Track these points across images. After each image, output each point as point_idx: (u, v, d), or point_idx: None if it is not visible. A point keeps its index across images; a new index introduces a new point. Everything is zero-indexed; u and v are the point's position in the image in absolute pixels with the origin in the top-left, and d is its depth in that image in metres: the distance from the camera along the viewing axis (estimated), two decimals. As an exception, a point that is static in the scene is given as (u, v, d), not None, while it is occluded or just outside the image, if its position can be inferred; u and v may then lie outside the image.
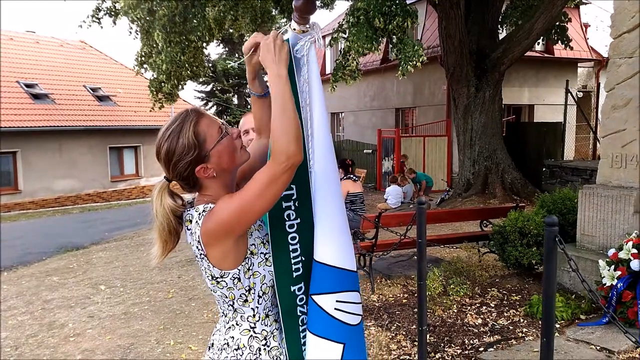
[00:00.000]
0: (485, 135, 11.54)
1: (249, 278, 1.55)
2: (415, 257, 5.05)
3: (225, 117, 31.88)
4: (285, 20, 13.38)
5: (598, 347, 3.68)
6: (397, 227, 5.46)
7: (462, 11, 10.91)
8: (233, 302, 1.58)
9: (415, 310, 4.38)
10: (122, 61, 24.51)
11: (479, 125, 11.55)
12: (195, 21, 11.31)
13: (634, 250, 4.01)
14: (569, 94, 12.29)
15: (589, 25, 18.74)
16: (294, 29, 1.62)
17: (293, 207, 1.65)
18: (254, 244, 1.56)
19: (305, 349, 1.65)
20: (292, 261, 1.63)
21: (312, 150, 1.64)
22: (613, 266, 4.08)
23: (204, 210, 1.50)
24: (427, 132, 15.74)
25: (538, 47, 15.75)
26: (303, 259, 1.65)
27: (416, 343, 3.74)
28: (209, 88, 33.90)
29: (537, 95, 16.54)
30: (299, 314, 1.66)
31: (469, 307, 4.66)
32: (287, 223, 1.64)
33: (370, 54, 10.75)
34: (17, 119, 16.76)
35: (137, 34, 12.60)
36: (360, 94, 19.82)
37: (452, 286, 5.04)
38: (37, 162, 17.38)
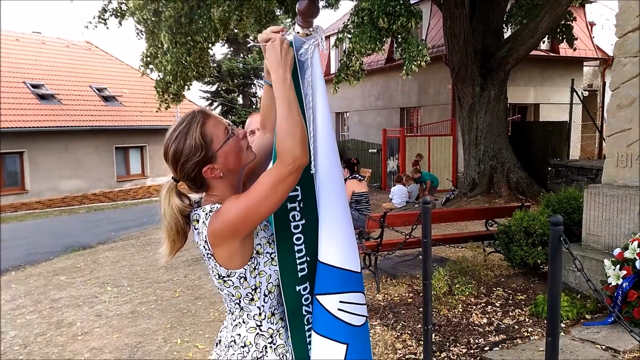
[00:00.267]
0: (490, 134, 11.52)
1: (255, 277, 1.57)
2: (421, 257, 5.06)
3: (230, 117, 31.94)
4: (289, 20, 13.38)
5: (603, 347, 3.68)
6: (402, 226, 5.47)
7: (466, 10, 10.90)
8: (239, 301, 1.60)
9: (421, 309, 4.39)
10: (128, 61, 24.60)
11: (484, 125, 11.53)
12: (201, 22, 11.34)
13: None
14: (575, 93, 12.25)
15: (595, 24, 18.68)
16: (298, 33, 1.64)
17: (298, 208, 1.68)
18: (259, 244, 1.58)
19: (310, 348, 1.67)
20: (297, 261, 1.65)
21: (315, 152, 1.66)
22: (618, 265, 4.08)
23: (210, 211, 1.52)
24: (432, 132, 15.73)
25: (543, 46, 15.71)
26: (308, 259, 1.67)
27: (421, 342, 3.75)
28: (214, 88, 33.97)
29: (543, 94, 16.48)
30: (304, 313, 1.68)
31: (475, 307, 4.67)
32: (292, 224, 1.66)
33: (374, 53, 10.75)
34: (24, 119, 16.87)
35: (143, 34, 12.66)
36: (365, 93, 19.82)
37: (457, 286, 5.05)
38: (43, 162, 17.49)
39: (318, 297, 1.65)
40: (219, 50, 39.45)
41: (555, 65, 16.47)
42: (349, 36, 10.24)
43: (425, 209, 3.42)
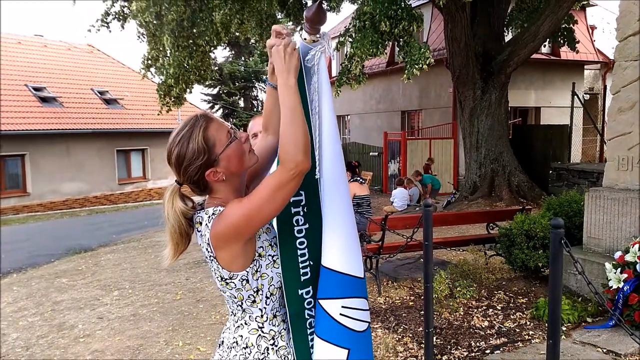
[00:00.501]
0: (491, 137, 11.53)
1: (257, 280, 1.59)
2: (422, 260, 5.08)
3: (231, 120, 31.98)
4: (291, 23, 13.40)
5: (604, 350, 3.68)
6: (403, 229, 5.47)
7: (467, 14, 10.92)
8: (242, 303, 1.61)
9: (422, 312, 4.40)
10: (130, 64, 24.68)
11: (485, 128, 11.54)
12: (203, 26, 11.37)
13: (641, 253, 4.01)
14: (576, 96, 12.27)
15: (596, 28, 18.73)
16: (305, 39, 1.65)
17: (302, 213, 1.69)
18: (262, 247, 1.60)
19: (312, 352, 1.68)
20: (300, 265, 1.67)
21: (320, 157, 1.68)
22: (619, 269, 4.08)
23: (213, 214, 1.53)
24: (433, 135, 15.74)
25: (544, 49, 15.73)
26: (311, 263, 1.69)
27: (423, 345, 3.76)
28: (215, 91, 34.03)
29: (544, 97, 16.50)
30: (306, 316, 1.69)
31: (476, 310, 4.67)
32: (296, 228, 1.68)
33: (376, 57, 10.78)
34: (25, 122, 16.92)
35: (144, 37, 12.69)
36: (366, 96, 19.85)
37: (458, 289, 5.05)
38: (45, 165, 17.52)
39: (320, 301, 1.66)
40: (221, 54, 39.62)
41: (556, 69, 16.49)
42: (350, 40, 10.26)
43: (427, 212, 3.43)
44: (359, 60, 9.75)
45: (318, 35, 1.65)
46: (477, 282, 5.33)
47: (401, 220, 5.94)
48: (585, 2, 15.85)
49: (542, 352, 3.58)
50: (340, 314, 1.65)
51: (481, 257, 6.32)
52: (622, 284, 4.00)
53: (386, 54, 12.13)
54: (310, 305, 1.69)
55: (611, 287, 4.08)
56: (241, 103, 35.20)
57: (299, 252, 1.67)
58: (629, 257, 4.06)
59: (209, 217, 1.53)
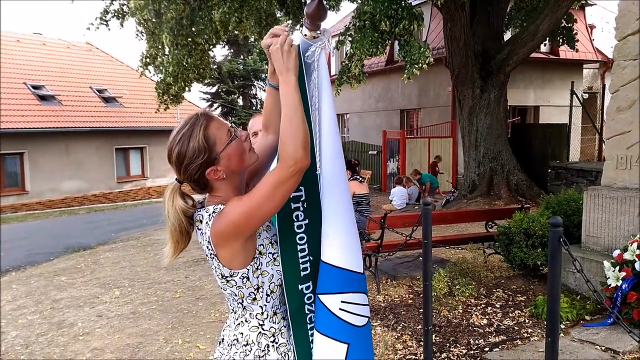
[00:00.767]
0: (490, 136, 11.55)
1: (258, 277, 1.59)
2: (421, 258, 5.08)
3: (230, 118, 31.97)
4: (290, 22, 13.38)
5: (603, 348, 3.69)
6: (402, 228, 5.49)
7: (467, 13, 10.92)
8: (242, 300, 1.62)
9: (421, 310, 4.41)
10: (129, 63, 24.65)
11: (484, 127, 11.56)
12: (202, 24, 11.36)
13: (639, 252, 4.02)
14: (575, 95, 12.28)
15: (595, 27, 18.74)
16: (305, 35, 1.66)
17: (302, 209, 1.70)
18: (262, 244, 1.60)
19: (312, 347, 1.69)
20: (300, 260, 1.68)
21: (320, 153, 1.68)
22: (618, 267, 4.09)
23: (214, 211, 1.54)
24: (432, 134, 15.75)
25: (543, 49, 15.74)
26: (311, 258, 1.69)
27: (422, 343, 3.77)
28: (214, 89, 34.02)
29: (543, 96, 16.52)
30: (306, 312, 1.70)
31: (475, 308, 4.69)
32: (296, 224, 1.68)
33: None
34: (24, 120, 16.90)
35: (143, 35, 12.67)
36: (365, 95, 19.85)
37: (457, 287, 5.06)
38: (44, 163, 17.51)
39: (320, 296, 1.67)
40: (220, 52, 39.61)
41: (555, 68, 16.50)
42: (350, 39, 10.27)
43: (426, 211, 3.44)
44: (358, 59, 9.75)
45: (318, 32, 1.66)
46: (476, 280, 5.35)
47: (400, 219, 5.95)
48: (584, 2, 15.86)
49: (540, 349, 3.59)
50: (340, 309, 1.66)
51: (480, 255, 6.33)
52: (621, 282, 4.01)
53: (385, 53, 12.13)
54: (310, 301, 1.70)
55: (610, 285, 4.09)
56: (240, 101, 35.19)
57: (299, 247, 1.68)
58: (627, 256, 4.08)
59: (210, 215, 1.54)
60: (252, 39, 16.40)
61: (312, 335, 1.70)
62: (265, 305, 1.63)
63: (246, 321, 1.64)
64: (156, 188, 20.77)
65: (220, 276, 1.60)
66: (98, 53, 23.90)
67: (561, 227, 2.43)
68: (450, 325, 4.33)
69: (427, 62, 9.34)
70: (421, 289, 4.56)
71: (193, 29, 11.66)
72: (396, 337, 4.16)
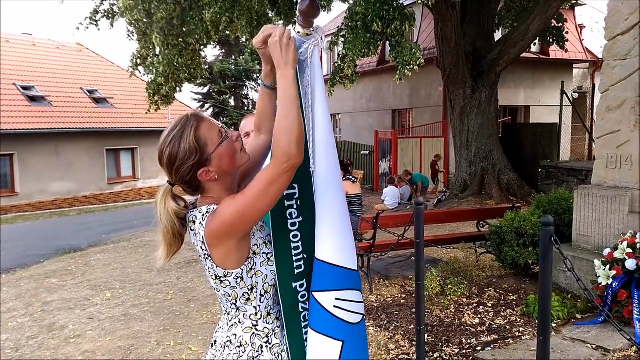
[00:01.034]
0: (481, 136, 11.60)
1: (252, 277, 1.59)
2: (413, 258, 5.09)
3: (222, 118, 31.88)
4: (282, 22, 13.35)
5: (594, 346, 3.72)
6: (394, 228, 5.49)
7: (458, 13, 10.97)
8: (236, 301, 1.61)
9: (413, 310, 4.41)
10: (119, 63, 24.52)
11: (475, 127, 11.61)
12: (193, 24, 11.31)
13: (629, 250, 4.05)
14: (565, 95, 12.37)
15: (584, 27, 18.86)
16: (298, 32, 1.65)
17: (295, 206, 1.70)
18: (256, 244, 1.60)
19: (307, 345, 1.69)
20: (294, 258, 1.67)
21: (314, 150, 1.68)
22: (608, 266, 4.13)
23: (207, 212, 1.53)
24: (424, 134, 15.80)
25: (534, 49, 15.84)
26: (305, 256, 1.69)
27: (414, 343, 3.77)
28: (205, 90, 33.90)
29: (533, 96, 16.62)
30: (300, 310, 1.70)
31: (467, 307, 4.70)
32: (289, 221, 1.68)
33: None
34: (14, 121, 16.75)
35: (134, 35, 12.60)
36: (357, 95, 19.87)
37: (449, 286, 5.08)
38: (34, 164, 17.37)
39: (314, 293, 1.67)
40: (211, 52, 39.46)
41: (546, 68, 16.60)
42: (342, 40, 10.27)
43: (418, 210, 3.44)
44: (351, 60, 9.76)
45: (312, 29, 1.66)
46: (468, 280, 5.37)
47: (392, 219, 5.96)
48: (574, 2, 15.97)
49: (532, 348, 3.60)
50: (334, 306, 1.65)
51: (472, 254, 6.36)
52: (611, 280, 4.04)
53: (377, 53, 12.15)
54: (304, 299, 1.70)
55: (600, 283, 4.12)
56: (232, 102, 35.08)
57: (293, 245, 1.67)
58: (617, 254, 4.11)
59: (203, 215, 1.53)
60: (244, 39, 16.35)
61: (306, 333, 1.69)
62: (259, 306, 1.62)
63: (240, 322, 1.63)
64: (147, 189, 20.67)
65: (213, 277, 1.59)
66: (88, 53, 23.74)
67: (552, 226, 2.44)
68: (442, 324, 4.34)
69: (418, 63, 9.36)
70: (413, 288, 4.57)
71: (184, 29, 11.59)
72: (389, 337, 4.16)
